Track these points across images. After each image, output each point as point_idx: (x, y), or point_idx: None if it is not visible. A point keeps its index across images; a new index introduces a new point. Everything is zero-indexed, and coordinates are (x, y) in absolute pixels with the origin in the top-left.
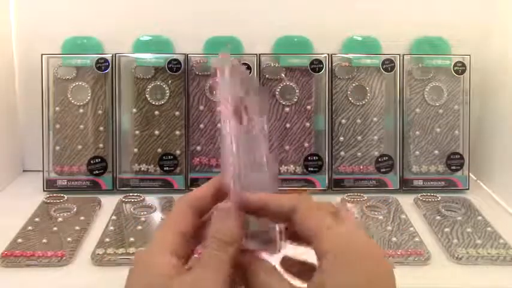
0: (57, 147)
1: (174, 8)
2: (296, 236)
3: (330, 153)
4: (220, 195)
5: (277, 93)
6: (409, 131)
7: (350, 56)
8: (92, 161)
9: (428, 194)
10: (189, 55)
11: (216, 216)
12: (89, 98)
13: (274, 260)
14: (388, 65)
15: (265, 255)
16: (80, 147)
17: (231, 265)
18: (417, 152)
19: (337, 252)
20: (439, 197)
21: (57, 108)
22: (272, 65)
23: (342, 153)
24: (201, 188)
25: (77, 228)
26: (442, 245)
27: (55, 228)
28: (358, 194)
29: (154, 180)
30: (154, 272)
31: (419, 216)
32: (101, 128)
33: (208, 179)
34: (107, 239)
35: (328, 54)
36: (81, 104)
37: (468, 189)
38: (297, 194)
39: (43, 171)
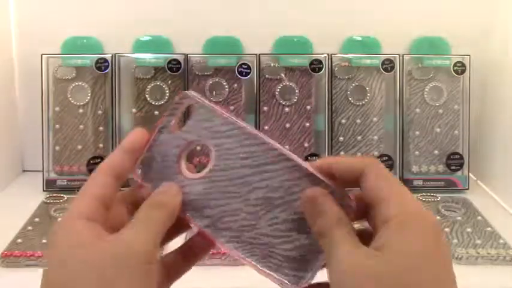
0: (57, 147)
1: (174, 8)
2: None
3: (330, 153)
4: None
5: (277, 93)
6: (408, 131)
7: (350, 56)
8: (91, 161)
9: (428, 194)
10: (188, 55)
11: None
12: (88, 98)
13: None
14: (388, 65)
15: None
16: (79, 147)
17: (164, 231)
18: (417, 152)
19: (404, 219)
20: (439, 197)
21: (57, 108)
22: (272, 65)
23: (342, 153)
24: (117, 150)
25: None
26: None
27: None
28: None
29: None
30: (67, 240)
31: None
32: (101, 128)
33: None
34: None
35: (328, 54)
36: (81, 104)
37: (468, 189)
38: (364, 158)
39: (43, 171)
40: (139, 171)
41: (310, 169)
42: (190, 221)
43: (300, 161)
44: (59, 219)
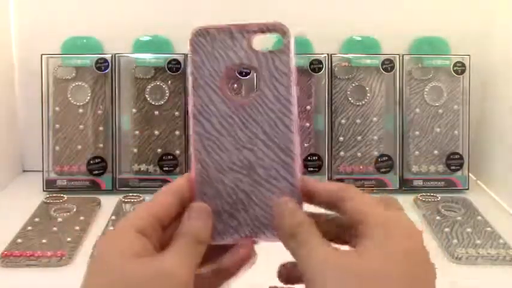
0: (57, 147)
1: (174, 8)
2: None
3: (330, 153)
4: None
5: None
6: (408, 131)
7: (350, 56)
8: (91, 161)
9: (428, 194)
10: (188, 55)
11: (189, 214)
12: (88, 98)
13: None
14: (388, 65)
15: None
16: (79, 147)
17: (199, 262)
18: (417, 152)
19: (386, 229)
20: (439, 197)
21: (56, 108)
22: None
23: (342, 153)
24: (183, 175)
25: (77, 228)
26: (442, 245)
27: (55, 228)
28: None
29: (154, 180)
30: (113, 251)
31: (419, 216)
32: (101, 128)
33: None
34: None
35: (327, 54)
36: (81, 104)
37: (468, 189)
38: (340, 183)
39: (43, 171)
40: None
41: (297, 177)
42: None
43: (298, 164)
44: (105, 233)
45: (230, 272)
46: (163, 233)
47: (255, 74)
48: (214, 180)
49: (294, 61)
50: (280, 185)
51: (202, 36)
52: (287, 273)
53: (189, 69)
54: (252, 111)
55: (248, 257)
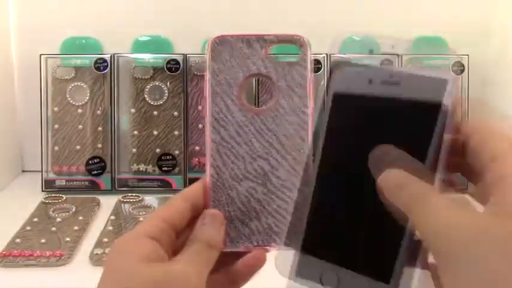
0: (56, 148)
1: (173, 9)
2: None
3: None
4: None
5: None
6: None
7: (349, 56)
8: (90, 161)
9: None
10: (187, 55)
11: (202, 220)
12: (87, 98)
13: None
14: (387, 65)
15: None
16: (78, 147)
17: (211, 268)
18: None
19: None
20: None
21: (55, 109)
22: None
23: None
24: (196, 183)
25: (76, 228)
26: None
27: (54, 228)
28: None
29: (152, 180)
30: (126, 256)
31: None
32: (100, 128)
33: None
34: (106, 239)
35: (326, 54)
36: (80, 104)
37: (467, 189)
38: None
39: (42, 171)
40: None
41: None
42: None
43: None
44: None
45: (241, 279)
46: (177, 239)
47: (271, 84)
48: (228, 187)
49: (311, 73)
50: (294, 195)
51: (221, 44)
52: None
53: (206, 77)
54: (267, 121)
55: (260, 265)
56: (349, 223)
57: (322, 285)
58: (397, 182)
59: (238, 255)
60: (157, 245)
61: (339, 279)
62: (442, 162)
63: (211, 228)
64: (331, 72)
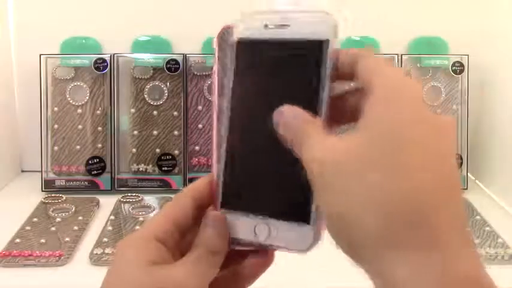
0: (56, 148)
1: (173, 9)
2: None
3: None
4: None
5: None
6: None
7: None
8: (90, 161)
9: None
10: (187, 55)
11: (205, 223)
12: (87, 98)
13: None
14: None
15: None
16: (78, 147)
17: (215, 272)
18: None
19: (386, 91)
20: None
21: (55, 109)
22: None
23: None
24: (203, 178)
25: (75, 228)
26: None
27: (53, 228)
28: None
29: (152, 180)
30: (130, 258)
31: None
32: (99, 128)
33: None
34: (105, 239)
35: None
36: (80, 104)
37: (466, 189)
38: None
39: (41, 171)
40: None
41: None
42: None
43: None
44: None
45: (248, 278)
46: (183, 239)
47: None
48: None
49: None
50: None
51: (229, 34)
52: None
53: (214, 68)
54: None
55: (267, 264)
56: (262, 171)
57: (258, 239)
58: (286, 118)
59: (245, 253)
60: (162, 247)
61: (269, 229)
62: (326, 99)
63: (213, 232)
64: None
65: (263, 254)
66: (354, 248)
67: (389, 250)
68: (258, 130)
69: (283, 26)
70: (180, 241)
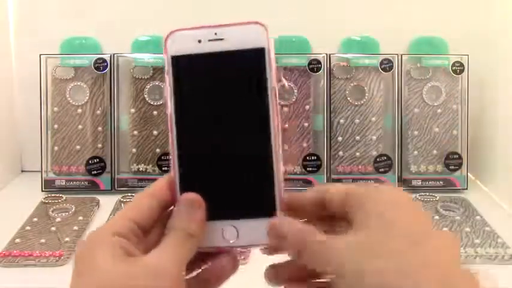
0: (56, 148)
1: (172, 8)
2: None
3: (329, 153)
4: None
5: None
6: (407, 131)
7: (348, 55)
8: (90, 161)
9: (427, 193)
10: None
11: (178, 208)
12: (87, 98)
13: None
14: (387, 64)
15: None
16: (78, 147)
17: (190, 257)
18: (415, 152)
19: (383, 210)
20: (438, 197)
21: (55, 109)
22: None
23: (341, 153)
24: (161, 178)
25: (75, 228)
26: None
27: (53, 228)
28: None
29: (152, 180)
30: (100, 252)
31: None
32: (100, 128)
33: None
34: None
35: (326, 54)
36: (80, 104)
37: (466, 189)
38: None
39: (41, 171)
40: None
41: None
42: None
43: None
44: (85, 238)
45: (213, 282)
46: (146, 238)
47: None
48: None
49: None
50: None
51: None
52: (276, 273)
53: (165, 70)
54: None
55: (233, 268)
56: (220, 177)
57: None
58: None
59: (212, 254)
60: (127, 243)
61: (237, 230)
62: (273, 101)
63: (188, 214)
64: (166, 39)
65: (232, 254)
66: None
67: None
68: (205, 139)
69: (217, 40)
70: (142, 240)
